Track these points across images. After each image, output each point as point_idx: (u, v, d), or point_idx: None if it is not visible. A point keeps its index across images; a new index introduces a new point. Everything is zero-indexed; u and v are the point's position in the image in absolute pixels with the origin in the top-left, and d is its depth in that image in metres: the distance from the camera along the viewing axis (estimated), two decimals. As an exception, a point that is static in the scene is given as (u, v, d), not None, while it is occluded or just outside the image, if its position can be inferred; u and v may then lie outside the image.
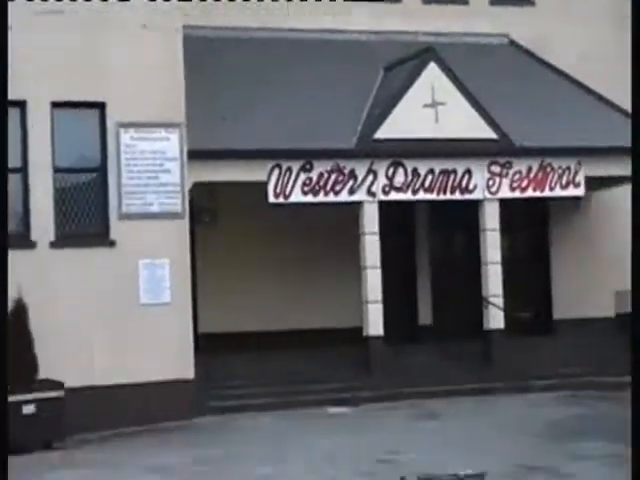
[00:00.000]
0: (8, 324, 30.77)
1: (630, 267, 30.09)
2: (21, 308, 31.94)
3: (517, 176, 39.22)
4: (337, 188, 37.57)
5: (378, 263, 37.54)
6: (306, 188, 37.30)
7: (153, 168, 34.98)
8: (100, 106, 34.50)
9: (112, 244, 34.22)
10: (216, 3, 40.93)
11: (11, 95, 32.58)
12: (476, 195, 38.73)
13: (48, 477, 26.93)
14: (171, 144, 35.04)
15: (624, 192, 39.68)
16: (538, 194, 39.55)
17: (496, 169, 38.86)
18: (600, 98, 41.52)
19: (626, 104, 37.93)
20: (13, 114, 33.52)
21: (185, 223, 35.02)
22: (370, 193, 37.71)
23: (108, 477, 26.78)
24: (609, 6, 43.98)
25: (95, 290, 33.77)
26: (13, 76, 32.24)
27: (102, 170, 34.73)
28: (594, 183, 40.37)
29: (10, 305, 31.38)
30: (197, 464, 28.01)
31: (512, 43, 43.51)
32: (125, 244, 34.26)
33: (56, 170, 34.35)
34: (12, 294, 31.43)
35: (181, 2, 35.99)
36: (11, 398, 29.53)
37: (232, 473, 26.72)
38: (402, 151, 37.74)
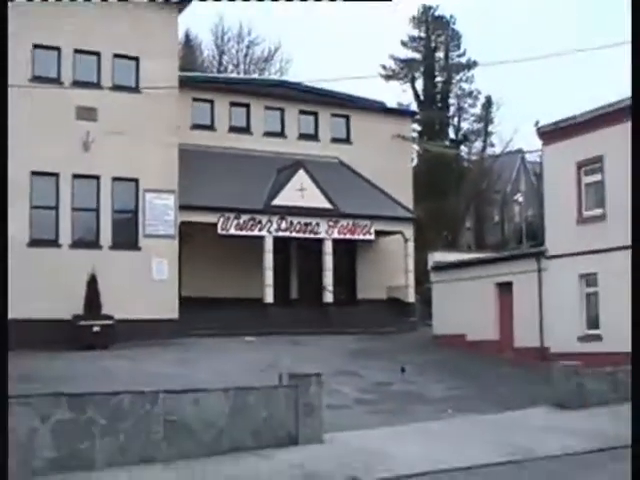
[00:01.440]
0: (88, 287, 33.03)
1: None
2: (93, 278, 33.33)
3: (341, 227, 41.05)
4: (253, 228, 39.26)
5: (271, 266, 39.42)
6: (237, 227, 38.99)
7: (161, 212, 36.17)
8: (136, 180, 35.90)
9: (139, 249, 35.86)
10: (198, 132, 41.74)
11: (91, 172, 34.73)
12: (321, 236, 40.84)
13: (105, 362, 28.40)
14: (170, 201, 36.37)
15: (391, 238, 43.44)
16: (351, 237, 41.56)
17: (331, 223, 40.93)
18: (381, 191, 43.76)
19: (394, 194, 43.17)
20: (92, 183, 35.01)
21: (176, 241, 36.62)
22: (269, 231, 39.61)
23: (133, 363, 28.05)
24: (385, 147, 45.93)
25: (130, 271, 35.13)
26: (95, 162, 34.66)
27: (136, 212, 36.12)
28: (377, 233, 42.45)
29: (87, 277, 33.15)
30: (181, 359, 29.59)
31: (341, 163, 45.29)
32: (146, 249, 35.86)
33: (114, 211, 35.69)
34: (89, 271, 33.12)
35: (179, 130, 37.19)
36: (87, 322, 32.20)
37: (200, 363, 28.67)
38: (285, 212, 39.88)
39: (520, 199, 62.81)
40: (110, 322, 32.35)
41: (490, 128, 73.85)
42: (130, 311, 33.45)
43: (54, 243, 34.09)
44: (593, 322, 30.98)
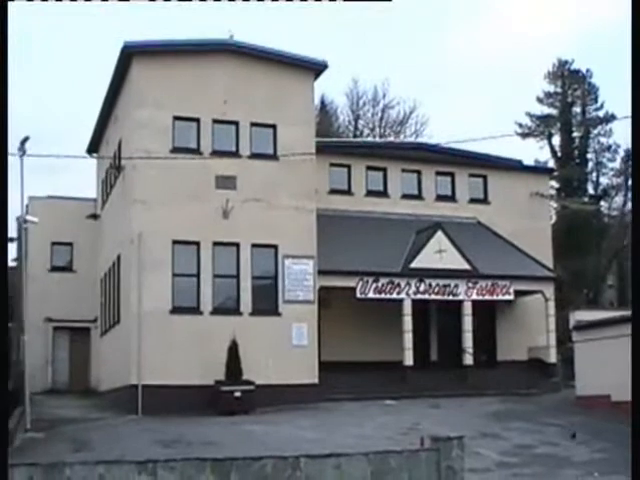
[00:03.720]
0: (229, 353, 33.30)
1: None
2: (234, 344, 33.62)
3: (480, 288, 40.49)
4: (391, 291, 39.00)
5: (410, 329, 39.03)
6: (376, 291, 38.75)
7: (300, 278, 36.27)
8: (275, 247, 36.11)
9: (279, 314, 36.01)
10: (336, 197, 41.97)
11: (231, 239, 35.03)
12: (460, 297, 40.37)
13: (246, 426, 28.70)
14: (309, 266, 36.48)
15: (531, 298, 42.47)
16: (490, 298, 40.98)
17: (470, 284, 40.37)
18: (520, 251, 43.10)
19: (533, 253, 42.34)
20: (232, 250, 35.44)
21: (315, 306, 36.75)
22: (407, 294, 39.31)
23: (274, 428, 28.24)
24: (523, 206, 45.67)
25: (270, 337, 35.36)
26: (235, 229, 35.01)
27: (275, 278, 36.26)
28: (517, 293, 41.68)
29: (228, 343, 33.37)
30: (322, 423, 29.53)
31: (479, 223, 45.07)
32: (286, 315, 36.01)
33: (253, 277, 36.03)
34: (230, 337, 33.31)
35: (316, 196, 37.53)
36: (228, 388, 32.46)
37: (340, 427, 28.39)
38: (424, 274, 39.52)
39: (665, 253, 61.11)
40: (251, 387, 32.70)
41: (630, 182, 72.53)
42: (270, 376, 33.80)
43: (196, 310, 34.55)
44: None
